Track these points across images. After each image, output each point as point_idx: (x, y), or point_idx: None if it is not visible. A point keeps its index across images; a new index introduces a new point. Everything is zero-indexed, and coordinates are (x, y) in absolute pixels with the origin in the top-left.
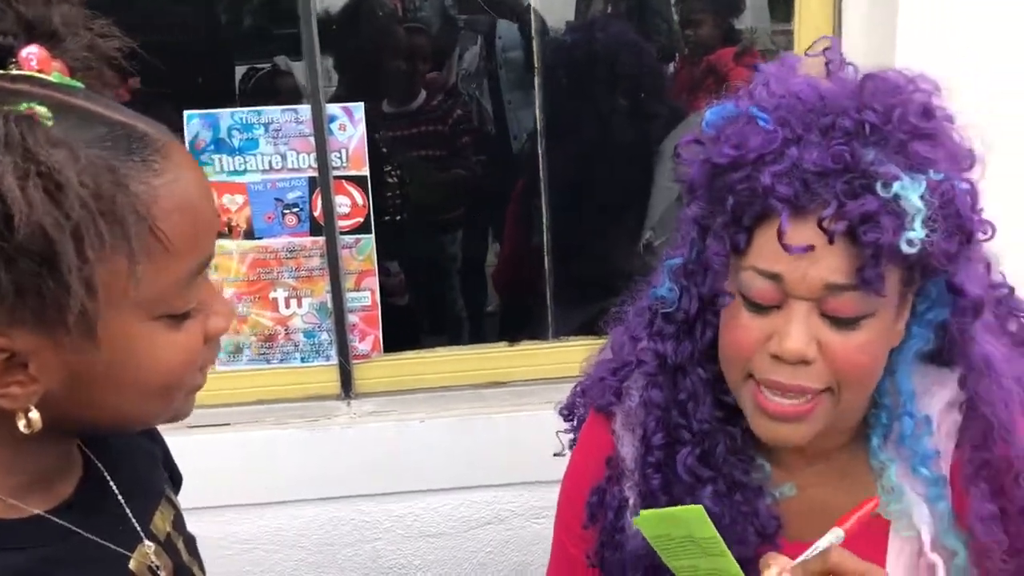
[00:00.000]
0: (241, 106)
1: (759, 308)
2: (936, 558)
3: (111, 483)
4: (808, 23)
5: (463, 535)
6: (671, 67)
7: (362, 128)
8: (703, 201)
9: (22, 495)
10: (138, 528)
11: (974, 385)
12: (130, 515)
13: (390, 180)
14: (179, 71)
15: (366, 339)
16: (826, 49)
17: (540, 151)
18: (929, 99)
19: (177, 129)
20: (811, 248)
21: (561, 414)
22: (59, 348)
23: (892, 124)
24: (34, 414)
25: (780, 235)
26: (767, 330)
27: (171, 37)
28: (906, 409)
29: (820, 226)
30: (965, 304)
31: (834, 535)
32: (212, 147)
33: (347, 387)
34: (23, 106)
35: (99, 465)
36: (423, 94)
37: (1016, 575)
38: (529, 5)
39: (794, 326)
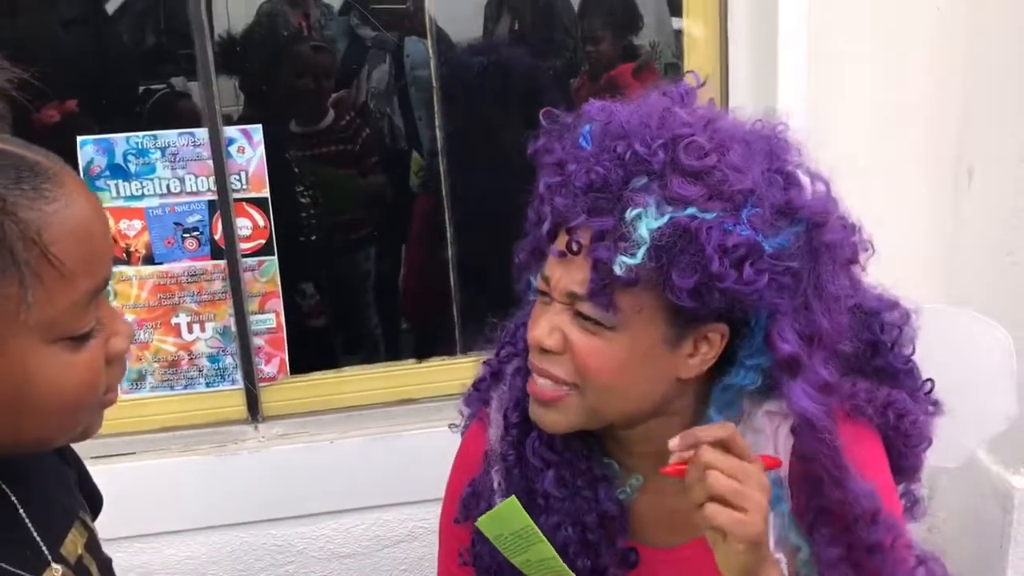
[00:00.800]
0: (139, 128)
1: (543, 298)
2: (780, 556)
3: (19, 509)
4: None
5: (378, 554)
6: (573, 83)
7: (261, 150)
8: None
9: None
10: (46, 552)
11: (800, 437)
12: (38, 539)
13: (302, 200)
14: (74, 94)
15: (272, 361)
16: (681, 82)
17: (442, 168)
18: (710, 141)
19: (70, 155)
20: (562, 255)
21: (461, 433)
22: None
23: (658, 159)
24: None
25: (545, 240)
26: (537, 318)
27: (66, 61)
28: None
29: (567, 235)
30: (779, 359)
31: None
32: (107, 173)
33: (254, 411)
34: None
35: (6, 489)
36: (331, 113)
37: None
38: (430, 25)
39: (542, 319)
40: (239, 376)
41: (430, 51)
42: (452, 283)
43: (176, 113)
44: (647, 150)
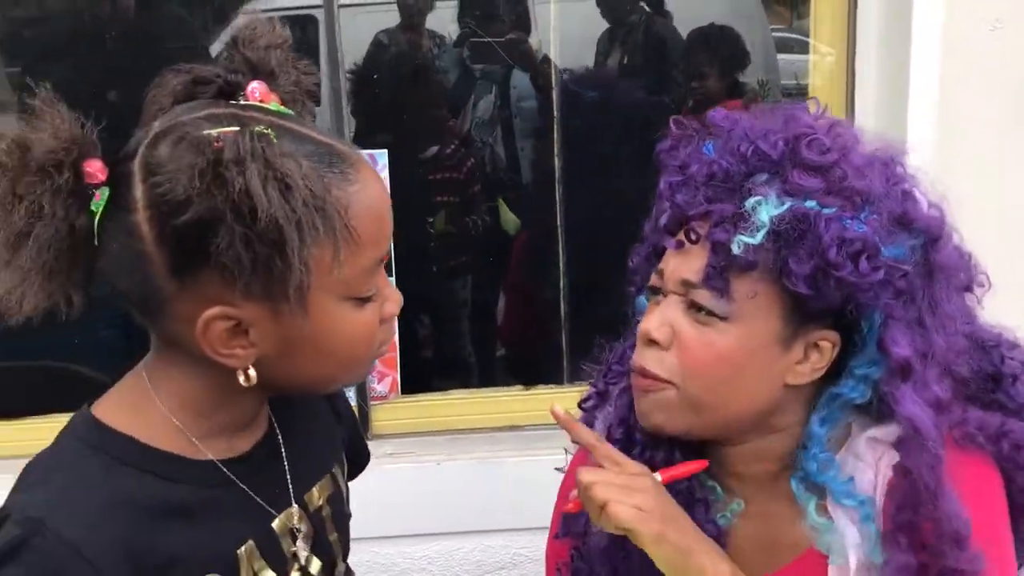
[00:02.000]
0: None
1: (653, 293)
2: None
3: (283, 449)
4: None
5: None
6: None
7: (386, 174)
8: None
9: (208, 440)
10: (291, 493)
11: (903, 447)
12: (288, 480)
13: (418, 224)
14: None
15: (384, 381)
16: (804, 103)
17: (558, 196)
18: (833, 140)
19: None
20: (678, 245)
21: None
22: (277, 318)
23: (778, 152)
24: (252, 371)
25: (664, 232)
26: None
27: None
28: (810, 452)
29: (686, 224)
30: (892, 364)
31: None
32: None
33: (364, 428)
34: (256, 128)
35: (278, 432)
36: (443, 142)
37: None
38: (547, 56)
39: (654, 311)
40: (352, 393)
41: (553, 82)
42: (562, 312)
43: None
44: (769, 145)
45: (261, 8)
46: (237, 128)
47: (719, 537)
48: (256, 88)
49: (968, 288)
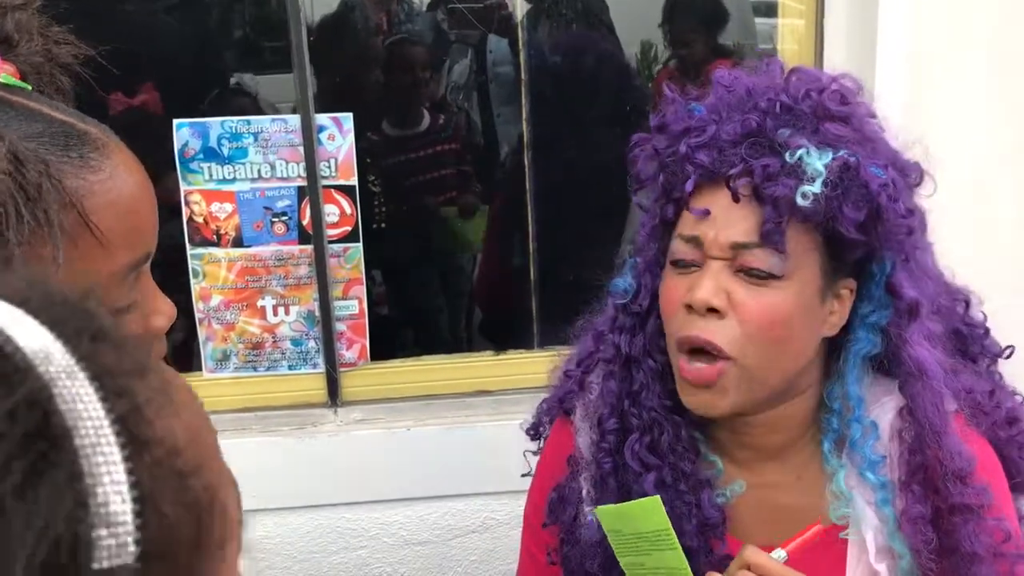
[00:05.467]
0: (230, 114)
1: (682, 266)
2: (880, 566)
3: None
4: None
5: (449, 543)
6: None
7: (351, 138)
8: (647, 189)
9: None
10: None
11: (908, 389)
12: None
13: (374, 190)
14: (169, 81)
15: (353, 347)
16: (765, 56)
17: (527, 161)
18: (847, 90)
19: (166, 137)
20: (707, 212)
21: (528, 433)
22: None
23: (806, 105)
24: None
25: (687, 199)
26: (687, 287)
27: (162, 48)
28: (855, 415)
29: (727, 186)
30: (901, 306)
31: (777, 555)
32: (201, 156)
33: (334, 395)
34: None
35: None
36: (423, 114)
37: (951, 573)
38: (517, 22)
39: (705, 278)
40: (320, 360)
41: (520, 44)
42: (532, 277)
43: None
44: (792, 100)
45: None
46: None
47: (721, 516)
48: None
49: (925, 230)
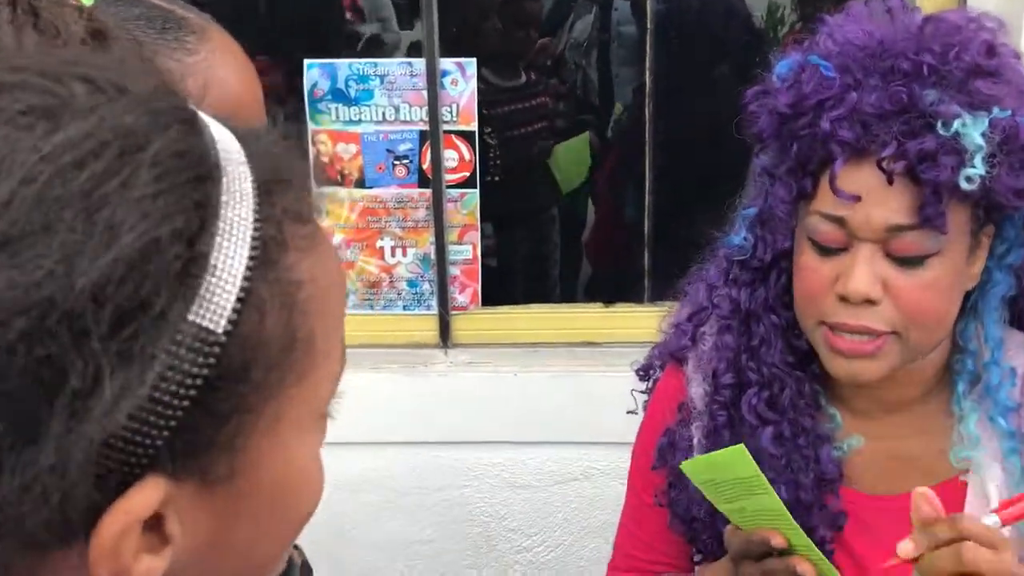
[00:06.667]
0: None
1: (826, 251)
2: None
3: None
4: None
5: (550, 489)
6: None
7: (473, 84)
8: (772, 151)
9: None
10: None
11: None
12: None
13: (490, 142)
14: (299, 23)
15: (465, 291)
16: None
17: (648, 114)
18: (992, 37)
19: (297, 76)
20: (858, 198)
21: (637, 373)
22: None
23: (952, 63)
24: None
25: (832, 179)
26: (834, 272)
27: None
28: (993, 357)
29: (880, 167)
30: None
31: (991, 521)
32: (329, 96)
33: (445, 337)
34: None
35: None
36: (532, 60)
37: None
38: None
39: (859, 267)
40: (434, 302)
41: None
42: (646, 231)
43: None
44: (938, 60)
45: None
46: None
47: (838, 472)
48: None
49: None
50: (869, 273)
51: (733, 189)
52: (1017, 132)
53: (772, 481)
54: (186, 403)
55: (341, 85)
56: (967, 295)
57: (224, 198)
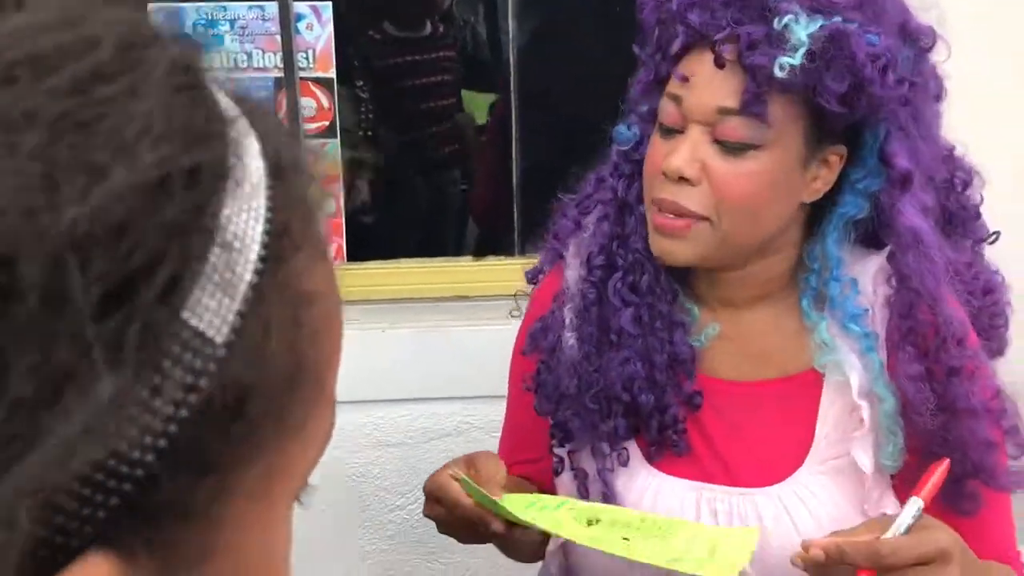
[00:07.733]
0: None
1: (668, 132)
2: (863, 402)
3: None
4: None
5: (423, 446)
6: None
7: (330, 28)
8: (647, 40)
9: None
10: None
11: (901, 256)
12: None
13: (361, 96)
14: None
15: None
16: None
17: (512, 63)
18: None
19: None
20: (686, 79)
21: (526, 276)
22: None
23: None
24: None
25: (673, 59)
26: (668, 151)
27: None
28: (833, 274)
29: (712, 50)
30: (894, 175)
31: (915, 506)
32: None
33: None
34: None
35: None
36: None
37: (942, 429)
38: None
39: (682, 146)
40: None
41: None
42: (514, 182)
43: None
44: None
45: None
46: None
47: (693, 359)
48: None
49: (938, 97)
50: (689, 152)
51: (601, 140)
52: (847, 40)
53: (627, 359)
54: (161, 443)
55: (188, 30)
56: (816, 218)
57: (232, 160)
